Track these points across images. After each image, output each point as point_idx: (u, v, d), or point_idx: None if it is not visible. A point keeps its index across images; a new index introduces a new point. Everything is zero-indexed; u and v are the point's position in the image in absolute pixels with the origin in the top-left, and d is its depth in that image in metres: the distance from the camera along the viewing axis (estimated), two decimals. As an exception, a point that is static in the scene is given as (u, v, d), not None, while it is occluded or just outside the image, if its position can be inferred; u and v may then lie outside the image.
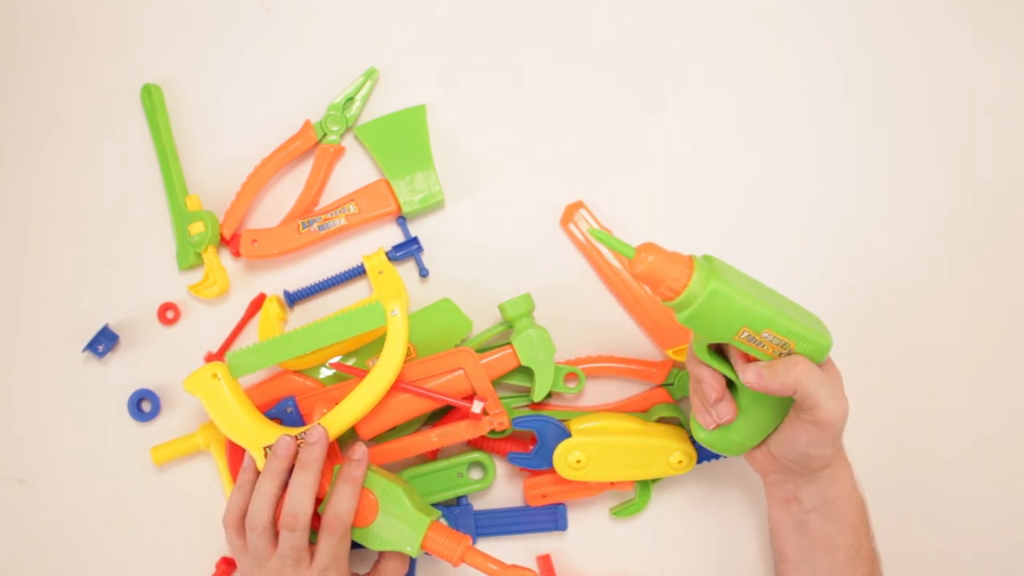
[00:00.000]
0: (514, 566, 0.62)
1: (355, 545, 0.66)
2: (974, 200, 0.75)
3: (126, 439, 0.71)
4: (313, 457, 0.60)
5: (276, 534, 0.60)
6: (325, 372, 0.69)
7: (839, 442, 0.60)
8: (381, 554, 0.64)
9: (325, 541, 0.59)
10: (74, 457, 0.71)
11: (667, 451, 0.66)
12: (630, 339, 0.72)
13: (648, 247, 0.54)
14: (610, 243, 0.54)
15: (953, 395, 0.73)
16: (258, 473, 0.62)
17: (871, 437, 0.72)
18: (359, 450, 0.62)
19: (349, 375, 0.68)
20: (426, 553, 0.62)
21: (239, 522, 0.61)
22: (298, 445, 0.61)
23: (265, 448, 0.62)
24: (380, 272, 0.70)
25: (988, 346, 0.73)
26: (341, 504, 0.60)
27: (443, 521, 0.66)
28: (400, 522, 0.61)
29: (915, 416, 0.73)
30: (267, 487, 0.60)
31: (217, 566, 0.69)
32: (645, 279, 0.53)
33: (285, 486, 0.60)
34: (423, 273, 0.72)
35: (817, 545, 0.61)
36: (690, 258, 0.54)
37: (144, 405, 0.71)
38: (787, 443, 0.59)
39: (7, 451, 0.71)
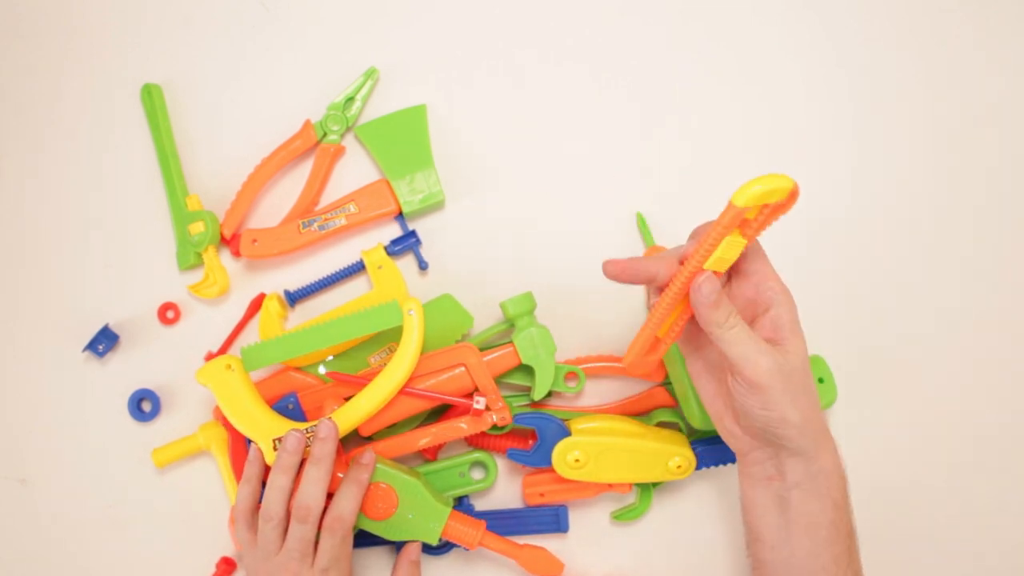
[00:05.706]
0: (527, 544, 0.65)
1: (376, 541, 0.67)
2: (975, 200, 0.75)
3: (126, 439, 0.71)
4: (325, 452, 0.61)
5: (287, 528, 0.60)
6: (324, 368, 0.69)
7: (797, 405, 0.55)
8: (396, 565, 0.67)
9: (326, 541, 0.60)
10: (74, 457, 0.71)
11: (667, 455, 0.66)
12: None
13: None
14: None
15: (953, 395, 0.73)
16: (265, 466, 0.63)
17: (868, 437, 0.72)
18: (367, 455, 0.63)
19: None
20: (443, 542, 0.65)
21: (250, 515, 0.62)
22: (308, 439, 0.62)
23: (274, 440, 0.63)
24: (379, 267, 0.70)
25: (988, 345, 0.73)
26: (344, 505, 0.61)
27: None
28: (420, 513, 0.64)
29: (911, 415, 0.73)
30: (280, 482, 0.61)
31: (217, 566, 0.69)
32: None
33: (296, 480, 0.61)
34: (422, 266, 0.72)
35: (797, 524, 0.57)
36: None
37: (144, 405, 0.71)
38: (744, 412, 0.56)
39: (7, 451, 0.71)
